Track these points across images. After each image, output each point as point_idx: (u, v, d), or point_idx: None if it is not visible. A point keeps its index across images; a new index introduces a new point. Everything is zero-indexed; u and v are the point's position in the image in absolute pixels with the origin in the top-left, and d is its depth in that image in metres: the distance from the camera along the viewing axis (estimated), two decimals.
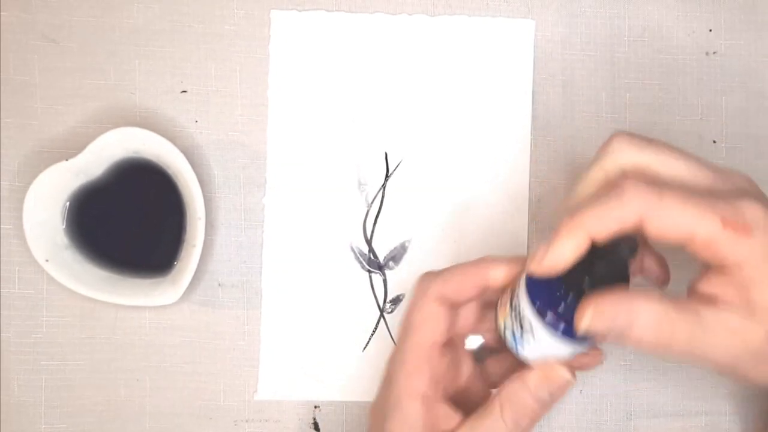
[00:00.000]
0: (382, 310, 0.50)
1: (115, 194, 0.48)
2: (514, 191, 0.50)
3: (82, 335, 0.50)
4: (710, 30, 0.51)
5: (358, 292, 0.50)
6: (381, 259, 0.50)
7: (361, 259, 0.50)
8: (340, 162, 0.50)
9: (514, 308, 0.38)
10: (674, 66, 0.51)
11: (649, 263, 0.41)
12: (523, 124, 0.50)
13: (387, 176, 0.50)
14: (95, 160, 0.47)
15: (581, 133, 0.51)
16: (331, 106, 0.50)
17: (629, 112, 0.51)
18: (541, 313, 0.37)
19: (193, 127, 0.50)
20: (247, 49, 0.50)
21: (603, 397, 0.50)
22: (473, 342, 0.44)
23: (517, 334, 0.38)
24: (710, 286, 0.36)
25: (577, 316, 0.36)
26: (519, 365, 0.40)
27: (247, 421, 0.50)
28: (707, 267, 0.36)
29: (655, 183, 0.35)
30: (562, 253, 0.36)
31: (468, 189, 0.50)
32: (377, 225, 0.50)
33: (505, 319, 0.39)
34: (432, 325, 0.40)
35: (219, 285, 0.50)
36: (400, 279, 0.50)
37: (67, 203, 0.48)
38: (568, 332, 0.37)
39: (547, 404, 0.39)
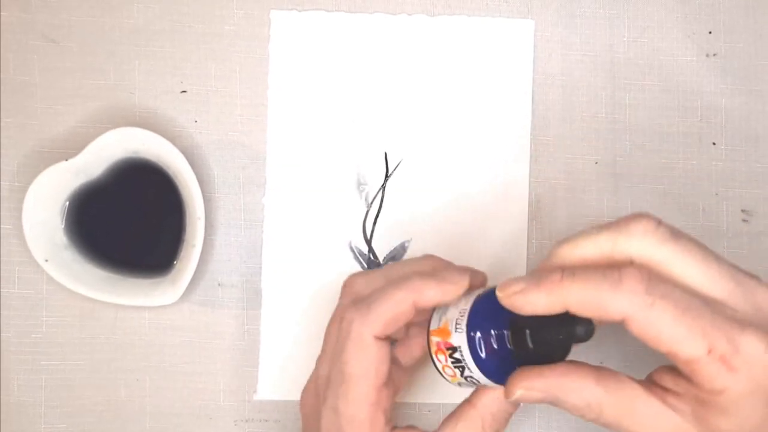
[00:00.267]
0: None
1: (114, 194, 0.48)
2: (514, 191, 0.50)
3: (82, 335, 0.50)
4: (710, 32, 0.51)
5: None
6: (381, 259, 0.50)
7: (361, 259, 0.50)
8: (340, 162, 0.50)
9: (454, 355, 0.38)
10: (674, 67, 0.51)
11: None
12: (523, 124, 0.51)
13: (387, 176, 0.50)
14: (95, 160, 0.47)
15: (581, 133, 0.51)
16: (330, 106, 0.50)
17: (629, 113, 0.51)
18: (476, 361, 0.37)
19: (193, 127, 0.50)
20: (246, 49, 0.50)
21: None
22: None
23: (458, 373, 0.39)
24: (674, 384, 0.35)
25: (507, 387, 0.36)
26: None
27: (247, 421, 0.50)
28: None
29: (656, 286, 0.33)
30: (534, 304, 0.35)
31: (468, 189, 0.50)
32: (377, 225, 0.50)
33: (440, 356, 0.39)
34: (376, 370, 0.39)
35: (219, 285, 0.50)
36: None
37: (67, 203, 0.48)
38: (500, 380, 0.37)
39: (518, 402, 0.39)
